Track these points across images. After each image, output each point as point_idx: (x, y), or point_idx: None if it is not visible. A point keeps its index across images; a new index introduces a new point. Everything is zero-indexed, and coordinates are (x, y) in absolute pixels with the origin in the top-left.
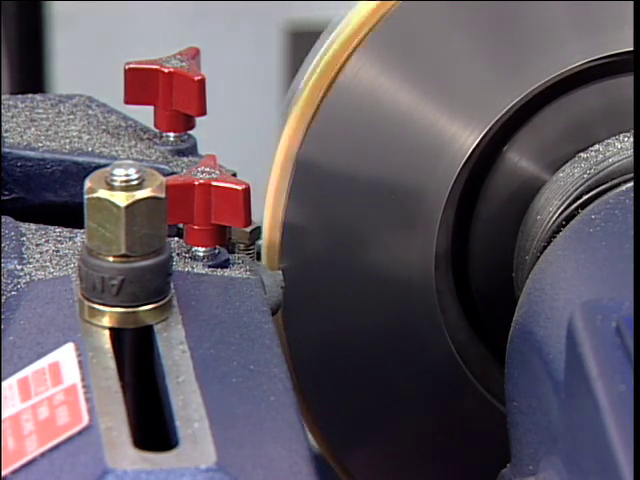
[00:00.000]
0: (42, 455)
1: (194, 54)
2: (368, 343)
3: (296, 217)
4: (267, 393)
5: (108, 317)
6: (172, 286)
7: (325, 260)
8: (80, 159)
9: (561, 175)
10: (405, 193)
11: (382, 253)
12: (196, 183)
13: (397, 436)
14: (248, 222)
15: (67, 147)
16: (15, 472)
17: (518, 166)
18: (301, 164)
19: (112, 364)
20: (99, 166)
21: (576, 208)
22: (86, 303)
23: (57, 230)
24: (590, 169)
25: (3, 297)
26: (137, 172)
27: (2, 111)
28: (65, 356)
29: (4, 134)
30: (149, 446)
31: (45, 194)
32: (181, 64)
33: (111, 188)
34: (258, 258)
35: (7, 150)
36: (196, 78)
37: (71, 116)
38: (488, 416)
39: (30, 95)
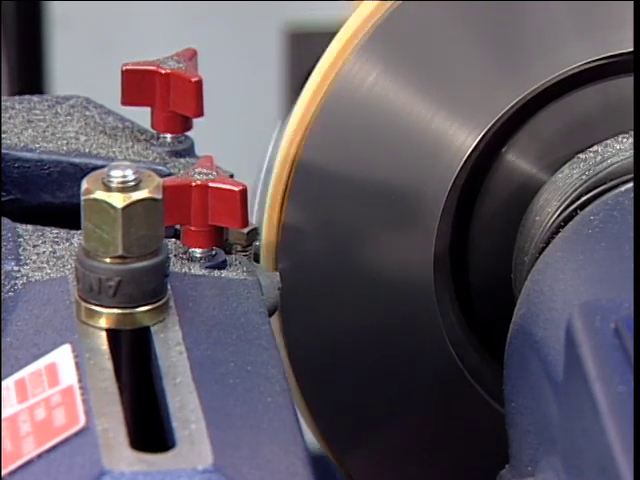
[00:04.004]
0: (39, 456)
1: (191, 55)
2: (367, 344)
3: (294, 218)
4: (264, 394)
5: (105, 318)
6: (169, 287)
7: (324, 261)
8: (77, 160)
9: (560, 176)
10: (404, 194)
11: (381, 254)
12: (193, 184)
13: (396, 437)
14: (245, 223)
15: (64, 148)
16: (12, 473)
17: (517, 167)
18: (299, 165)
19: (109, 365)
20: (96, 167)
21: (575, 209)
22: (83, 304)
23: (54, 231)
24: (589, 170)
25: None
26: (134, 173)
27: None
28: (62, 357)
29: (2, 135)
30: (146, 447)
31: (42, 195)
32: (178, 65)
33: (108, 189)
34: (256, 259)
35: (4, 151)
36: (193, 79)
37: (68, 117)
38: (487, 417)
39: (27, 96)
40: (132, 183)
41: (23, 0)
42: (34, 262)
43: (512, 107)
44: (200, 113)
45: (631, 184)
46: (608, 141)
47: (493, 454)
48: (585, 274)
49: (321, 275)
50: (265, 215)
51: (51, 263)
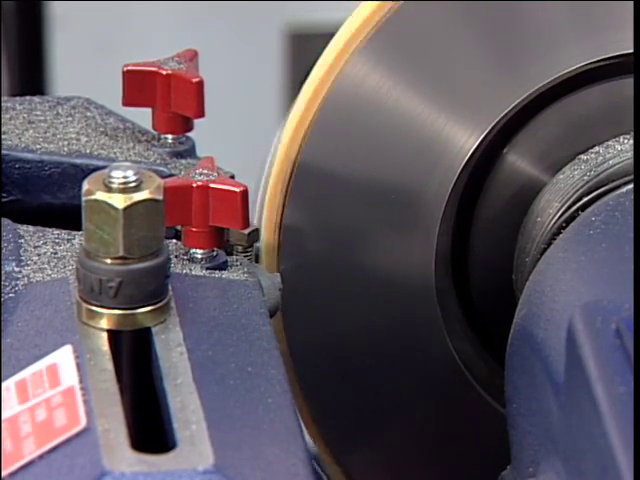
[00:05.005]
0: (40, 457)
1: (192, 56)
2: (367, 344)
3: (295, 219)
4: (265, 395)
5: (106, 319)
6: (170, 288)
7: (325, 262)
8: (78, 161)
9: (561, 177)
10: (405, 195)
11: (382, 255)
12: (194, 185)
13: (397, 437)
14: (246, 224)
15: (65, 149)
16: (13, 474)
17: (518, 168)
18: (300, 165)
19: (110, 366)
20: (97, 168)
21: (576, 210)
22: (84, 305)
23: (55, 232)
24: (590, 171)
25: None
26: (135, 174)
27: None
28: (63, 358)
29: (2, 136)
30: (147, 448)
31: (43, 196)
32: (179, 66)
33: (109, 190)
34: (256, 260)
35: (5, 152)
36: (194, 80)
37: (69, 118)
38: (488, 418)
39: (28, 97)
40: (133, 184)
41: (23, 0)
42: (35, 263)
43: (513, 108)
44: (201, 114)
45: (632, 185)
46: (609, 142)
47: (493, 454)
48: (586, 275)
49: (322, 276)
50: (266, 216)
51: (52, 264)
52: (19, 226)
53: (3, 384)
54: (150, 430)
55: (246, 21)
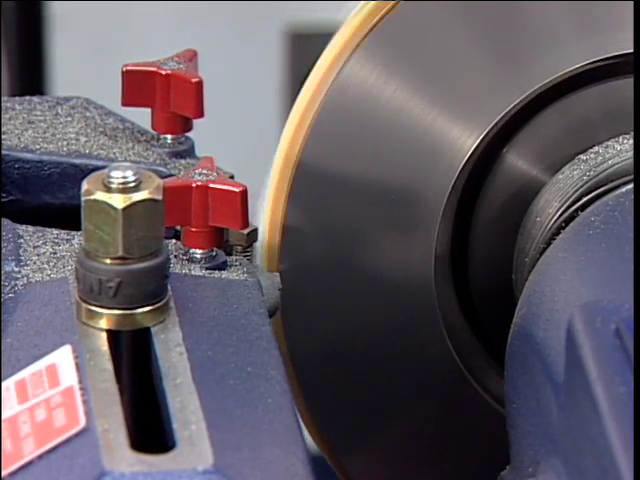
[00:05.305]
0: (39, 457)
1: (191, 56)
2: (367, 345)
3: (295, 219)
4: (264, 395)
5: (105, 319)
6: (169, 288)
7: (324, 262)
8: (77, 161)
9: (560, 177)
10: (405, 195)
11: (382, 255)
12: (193, 185)
13: (396, 437)
14: (245, 224)
15: (65, 149)
16: (12, 474)
17: (518, 168)
18: (300, 166)
19: (109, 366)
20: (96, 168)
21: (576, 210)
22: (83, 305)
23: (54, 232)
24: (590, 171)
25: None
26: (134, 174)
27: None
28: (62, 358)
29: (2, 136)
30: (146, 448)
31: (42, 196)
32: (178, 66)
33: (108, 190)
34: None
35: (5, 152)
36: (193, 80)
37: (69, 118)
38: (487, 418)
39: (28, 97)
40: (132, 184)
41: (23, 0)
42: (34, 263)
43: (513, 108)
44: (200, 114)
45: (632, 185)
46: (609, 142)
47: (493, 454)
48: (586, 275)
49: (322, 276)
50: (265, 216)
51: (51, 264)
52: (19, 226)
53: (3, 384)
54: (150, 430)
55: (246, 21)
